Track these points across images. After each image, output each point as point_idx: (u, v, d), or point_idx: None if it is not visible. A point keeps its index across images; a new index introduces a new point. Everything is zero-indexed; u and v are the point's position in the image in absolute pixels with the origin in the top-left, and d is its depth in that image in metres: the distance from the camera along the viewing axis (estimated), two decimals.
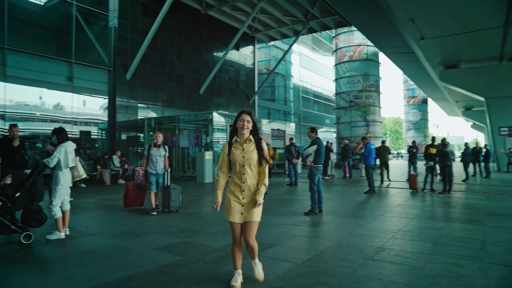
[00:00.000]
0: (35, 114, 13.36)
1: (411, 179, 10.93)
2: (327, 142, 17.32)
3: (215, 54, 21.02)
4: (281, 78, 30.29)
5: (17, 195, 4.71)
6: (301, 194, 10.14)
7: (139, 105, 16.68)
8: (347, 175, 16.11)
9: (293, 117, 31.45)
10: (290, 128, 20.16)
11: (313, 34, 30.08)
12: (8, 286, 3.26)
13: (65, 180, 5.09)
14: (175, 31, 18.48)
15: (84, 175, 5.56)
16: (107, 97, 15.66)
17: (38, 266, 3.91)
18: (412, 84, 40.29)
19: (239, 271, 3.28)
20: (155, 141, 7.06)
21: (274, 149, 17.23)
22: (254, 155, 3.10)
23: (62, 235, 5.01)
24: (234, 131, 3.20)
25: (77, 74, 14.45)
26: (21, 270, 3.72)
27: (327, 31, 26.64)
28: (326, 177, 15.99)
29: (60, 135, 5.10)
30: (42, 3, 15.09)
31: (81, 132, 14.94)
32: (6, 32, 12.44)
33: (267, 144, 16.43)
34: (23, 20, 14.04)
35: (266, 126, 18.29)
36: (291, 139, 13.79)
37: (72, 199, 7.71)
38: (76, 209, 7.48)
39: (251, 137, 3.15)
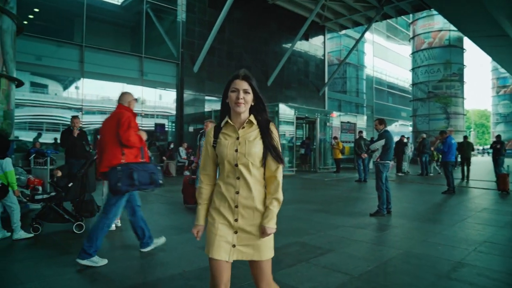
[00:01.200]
0: (108, 107, 14.09)
1: (501, 179, 9.53)
2: (402, 136, 16.01)
3: (283, 45, 20.54)
4: (353, 69, 28.89)
5: (70, 185, 4.77)
6: (370, 192, 9.35)
7: (206, 97, 16.85)
8: (425, 172, 14.74)
9: (366, 110, 29.87)
10: (361, 121, 19.06)
11: (388, 20, 28.19)
12: (45, 277, 3.19)
13: None
14: (242, 23, 18.33)
15: None
16: (175, 90, 16.05)
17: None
18: (504, 72, 36.06)
19: None
20: (202, 130, 6.51)
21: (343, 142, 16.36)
22: (256, 148, 1.88)
23: (112, 226, 4.98)
24: (224, 109, 1.99)
25: (147, 68, 14.98)
26: (64, 261, 3.67)
27: (403, 16, 24.73)
28: (400, 174, 14.78)
29: None
30: (118, 3, 15.93)
31: (156, 124, 15.52)
32: (84, 31, 13.22)
33: (335, 138, 15.84)
34: (100, 19, 14.88)
35: (336, 119, 17.45)
36: (360, 132, 12.89)
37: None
38: None
39: (252, 118, 1.94)
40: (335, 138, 15.70)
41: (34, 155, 7.90)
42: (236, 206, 1.88)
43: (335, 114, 17.87)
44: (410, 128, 28.58)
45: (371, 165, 15.19)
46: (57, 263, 3.65)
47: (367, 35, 27.47)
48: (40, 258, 3.83)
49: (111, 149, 3.71)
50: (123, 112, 3.81)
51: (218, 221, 1.90)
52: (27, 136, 12.07)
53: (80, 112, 12.88)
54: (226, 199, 1.90)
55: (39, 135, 12.28)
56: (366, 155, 11.86)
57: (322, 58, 23.49)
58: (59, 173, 4.82)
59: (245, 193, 1.88)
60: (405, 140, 15.76)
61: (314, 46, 22.86)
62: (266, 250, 1.91)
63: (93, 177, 5.09)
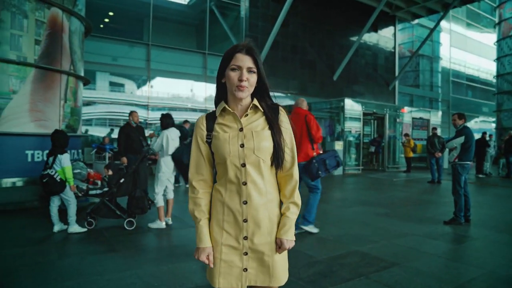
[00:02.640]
0: (173, 104, 14.45)
1: None
2: (484, 133, 14.38)
3: (350, 37, 19.58)
4: (427, 61, 26.81)
5: (121, 181, 4.74)
6: (444, 195, 8.40)
7: (270, 93, 16.57)
8: None
9: (441, 105, 27.59)
10: (435, 117, 17.53)
11: (468, 6, 25.66)
12: (85, 275, 3.09)
13: (167, 167, 4.91)
14: (307, 15, 17.75)
15: None
16: None
17: (125, 257, 3.72)
18: None
19: None
20: None
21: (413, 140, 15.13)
22: (266, 141, 1.46)
23: (162, 224, 4.89)
24: (220, 92, 1.56)
25: (211, 65, 15.10)
26: (108, 259, 3.59)
27: (487, 0, 22.33)
28: (481, 176, 13.28)
29: (163, 121, 4.96)
30: (185, 2, 16.33)
31: None
32: (150, 31, 13.65)
33: (406, 135, 14.68)
34: (166, 18, 15.35)
35: (407, 115, 16.22)
36: (434, 129, 11.74)
37: (187, 185, 7.83)
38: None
39: (255, 102, 1.51)
40: (406, 135, 14.56)
41: (95, 150, 8.22)
42: (245, 220, 1.46)
43: (406, 109, 16.61)
44: (493, 125, 25.86)
45: (445, 165, 13.89)
46: (101, 260, 3.57)
47: (444, 23, 25.28)
48: (87, 254, 3.80)
49: (304, 145, 4.66)
50: (309, 115, 4.74)
51: (221, 241, 1.48)
52: (100, 132, 12.76)
53: (147, 109, 13.32)
54: (230, 211, 1.47)
55: (112, 131, 12.93)
56: (440, 154, 10.76)
57: (393, 50, 22.03)
58: (110, 172, 4.85)
59: (256, 201, 1.45)
60: (487, 138, 14.14)
61: (383, 37, 21.52)
62: (282, 272, 1.54)
63: (145, 173, 5.04)
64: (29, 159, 6.20)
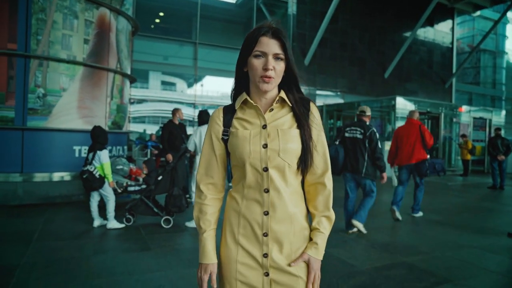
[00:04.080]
0: (221, 102, 14.52)
1: None
2: None
3: (403, 33, 18.59)
4: (489, 56, 24.94)
5: (159, 178, 4.71)
6: (507, 203, 7.64)
7: (317, 92, 16.20)
8: None
9: (504, 104, 25.52)
10: (498, 117, 16.18)
11: None
12: (114, 274, 3.04)
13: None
14: (357, 11, 17.09)
15: None
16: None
17: (158, 256, 3.64)
18: None
19: None
20: None
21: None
22: (294, 142, 1.23)
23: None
24: (240, 82, 1.32)
25: None
26: (140, 258, 3.53)
27: None
28: None
29: (200, 117, 4.87)
30: (233, 1, 16.39)
31: None
32: (198, 30, 13.80)
33: (463, 136, 13.66)
34: (214, 17, 15.47)
35: (465, 114, 15.10)
36: (497, 129, 10.77)
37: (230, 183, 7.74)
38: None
39: (283, 94, 1.28)
40: (464, 136, 13.54)
41: (138, 146, 8.38)
42: (265, 234, 1.22)
43: (463, 108, 15.46)
44: None
45: (509, 169, 12.73)
46: (133, 259, 3.53)
47: (510, 14, 23.29)
48: (121, 250, 3.79)
49: (418, 149, 5.67)
50: (422, 125, 5.77)
51: (236, 258, 1.24)
52: (151, 130, 13.11)
53: (193, 107, 13.48)
54: (248, 223, 1.24)
55: (160, 129, 13.24)
56: (503, 157, 9.83)
57: (450, 45, 20.66)
58: (145, 169, 4.84)
59: (280, 213, 1.22)
60: None
61: (440, 32, 20.23)
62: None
63: (183, 171, 4.98)
64: (76, 155, 6.41)
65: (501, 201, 8.01)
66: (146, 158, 7.83)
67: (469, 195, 8.61)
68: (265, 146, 1.21)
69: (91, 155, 4.64)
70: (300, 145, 1.23)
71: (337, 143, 4.71)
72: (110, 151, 6.98)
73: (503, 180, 10.00)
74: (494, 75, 25.12)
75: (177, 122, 6.41)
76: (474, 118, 15.38)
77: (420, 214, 6.02)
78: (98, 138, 4.67)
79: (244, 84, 1.31)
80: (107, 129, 6.87)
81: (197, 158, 4.83)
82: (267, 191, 1.21)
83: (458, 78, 21.85)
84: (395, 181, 6.05)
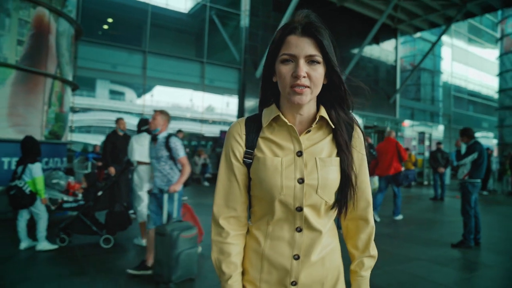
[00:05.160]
0: (171, 112, 14.11)
1: None
2: (487, 149, 13.99)
3: (351, 49, 19.31)
4: (428, 75, 26.57)
5: (99, 193, 4.31)
6: (449, 214, 7.98)
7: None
8: None
9: (442, 119, 27.27)
10: (437, 131, 17.18)
11: (470, 22, 25.59)
12: None
13: (138, 178, 4.38)
14: None
15: None
16: (237, 95, 15.68)
17: (94, 281, 3.27)
18: None
19: None
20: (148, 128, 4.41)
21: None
22: (334, 173, 1.00)
23: (143, 242, 4.44)
24: (268, 93, 1.07)
25: (208, 74, 14.78)
26: (72, 284, 3.14)
27: (489, 15, 22.19)
28: (485, 193, 12.83)
29: (138, 126, 4.57)
30: (185, 11, 16.12)
31: (221, 131, 15.29)
32: (148, 37, 13.34)
33: (407, 149, 14.28)
34: (164, 26, 15.13)
35: (408, 129, 15.85)
36: (438, 143, 11.35)
37: (186, 198, 7.38)
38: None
39: (323, 111, 1.03)
40: (407, 149, 14.17)
41: (78, 158, 7.81)
42: (294, 283, 1.00)
43: (407, 123, 16.27)
44: (494, 140, 25.51)
45: (447, 181, 13.46)
46: (65, 286, 3.13)
47: (445, 38, 25.14)
48: (51, 277, 3.36)
49: (395, 162, 6.70)
50: (398, 143, 6.82)
51: None
52: (92, 140, 12.35)
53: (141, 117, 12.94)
54: (273, 269, 1.01)
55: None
56: (443, 169, 10.34)
57: (394, 63, 21.77)
58: (85, 183, 4.44)
59: (314, 256, 1.00)
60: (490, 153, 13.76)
61: (385, 50, 21.27)
62: None
63: (126, 185, 4.61)
64: (6, 167, 5.77)
65: (443, 212, 8.35)
66: (87, 171, 7.28)
67: (414, 207, 8.90)
68: (301, 180, 0.97)
69: (20, 168, 4.15)
70: (339, 177, 1.00)
71: None
72: (47, 163, 6.40)
73: (443, 192, 10.50)
74: (433, 92, 26.80)
75: (121, 133, 6.00)
76: (416, 132, 16.21)
77: (400, 217, 7.00)
78: (30, 150, 4.19)
79: (272, 96, 1.06)
80: (43, 139, 6.30)
81: (135, 171, 4.45)
82: (299, 230, 0.99)
83: (402, 94, 23.02)
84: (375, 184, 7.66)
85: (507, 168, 13.37)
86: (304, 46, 0.94)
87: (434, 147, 11.91)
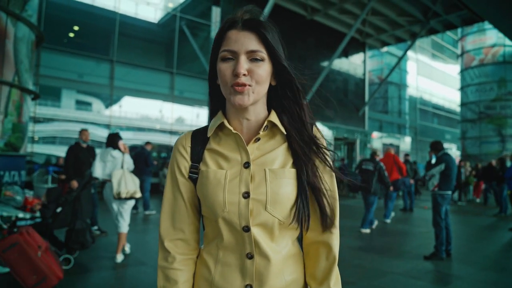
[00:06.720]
0: (139, 123, 13.71)
1: None
2: (460, 161, 14.44)
3: (321, 62, 19.61)
4: (395, 88, 27.37)
5: (58, 210, 4.00)
6: (419, 224, 8.05)
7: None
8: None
9: (408, 131, 28.09)
10: (404, 143, 17.61)
11: (433, 38, 26.72)
12: None
13: (106, 195, 4.22)
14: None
15: (129, 193, 4.16)
16: (207, 107, 15.49)
17: None
18: None
19: None
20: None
21: None
22: (288, 186, 0.87)
23: (117, 258, 4.17)
24: (216, 98, 0.95)
25: (178, 85, 14.53)
26: None
27: (450, 33, 23.23)
28: (460, 203, 13.07)
29: (107, 139, 4.32)
30: (155, 21, 15.87)
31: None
32: (116, 47, 12.98)
33: (405, 162, 14.52)
34: (133, 36, 14.82)
35: (377, 141, 16.15)
36: (406, 155, 11.56)
37: (154, 212, 7.11)
38: (149, 225, 6.79)
39: (273, 117, 0.92)
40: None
41: (38, 171, 7.37)
42: None
43: (376, 135, 16.58)
44: (458, 152, 26.48)
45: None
46: None
47: (411, 53, 26.06)
48: None
49: (393, 172, 7.60)
50: (396, 156, 8.08)
51: None
52: (56, 152, 11.78)
53: (108, 129, 12.49)
54: None
55: None
56: (412, 180, 10.52)
57: (363, 76, 22.30)
58: (44, 198, 4.13)
59: (269, 286, 0.85)
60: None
61: (353, 64, 21.76)
62: None
63: (88, 201, 4.32)
64: None
65: (413, 223, 8.43)
66: (46, 185, 6.86)
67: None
68: (246, 195, 0.84)
69: None
70: (295, 191, 0.87)
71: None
72: (2, 176, 5.97)
73: (412, 202, 10.67)
74: (400, 105, 27.61)
75: (84, 145, 5.68)
76: (384, 144, 16.55)
77: (391, 215, 8.24)
78: None
79: (219, 102, 0.93)
80: None
81: (108, 185, 4.21)
82: (250, 256, 0.85)
83: (370, 106, 23.55)
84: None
85: (470, 180, 13.85)
86: (244, 41, 0.84)
87: (402, 159, 12.12)
